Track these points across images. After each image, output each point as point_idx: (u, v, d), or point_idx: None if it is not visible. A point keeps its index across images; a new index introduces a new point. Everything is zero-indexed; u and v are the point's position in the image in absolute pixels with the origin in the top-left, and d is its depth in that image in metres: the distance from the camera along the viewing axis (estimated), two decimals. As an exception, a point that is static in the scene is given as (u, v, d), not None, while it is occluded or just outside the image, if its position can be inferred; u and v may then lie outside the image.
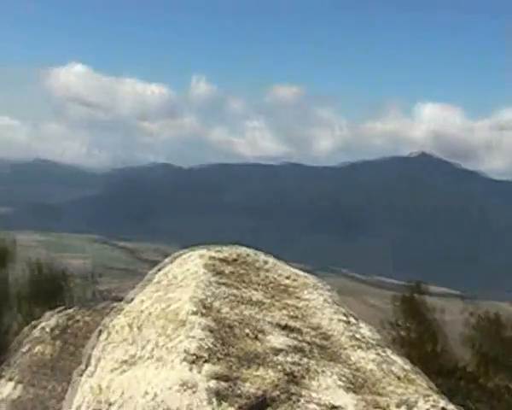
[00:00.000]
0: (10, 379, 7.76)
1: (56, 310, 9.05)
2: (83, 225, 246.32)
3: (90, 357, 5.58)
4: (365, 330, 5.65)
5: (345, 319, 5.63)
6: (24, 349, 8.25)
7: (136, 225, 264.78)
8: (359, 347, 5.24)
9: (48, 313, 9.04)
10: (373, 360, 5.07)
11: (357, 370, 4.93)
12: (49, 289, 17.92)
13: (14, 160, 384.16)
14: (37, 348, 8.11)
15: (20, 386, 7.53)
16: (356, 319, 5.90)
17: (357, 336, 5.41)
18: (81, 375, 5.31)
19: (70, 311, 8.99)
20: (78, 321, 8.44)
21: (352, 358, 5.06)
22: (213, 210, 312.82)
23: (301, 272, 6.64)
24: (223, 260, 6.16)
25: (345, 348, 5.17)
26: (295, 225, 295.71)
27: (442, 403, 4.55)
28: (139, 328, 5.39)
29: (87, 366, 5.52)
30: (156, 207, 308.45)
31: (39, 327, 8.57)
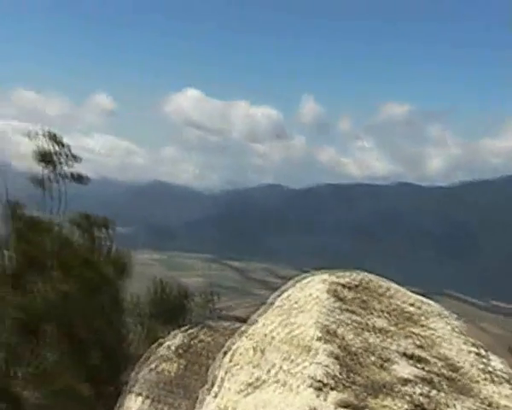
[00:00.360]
0: (139, 394, 8.18)
1: (181, 329, 9.43)
2: (195, 244, 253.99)
3: (215, 378, 5.71)
4: (497, 362, 5.37)
5: (475, 350, 5.39)
6: (151, 366, 8.65)
7: (245, 245, 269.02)
8: (492, 381, 4.99)
9: (173, 332, 9.43)
10: (507, 396, 4.81)
11: (490, 405, 4.70)
12: (172, 308, 18.53)
13: (134, 182, 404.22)
14: (164, 366, 8.48)
15: (147, 401, 7.92)
16: (485, 350, 5.64)
17: (489, 369, 5.16)
18: (208, 395, 5.46)
19: (192, 330, 9.34)
20: (201, 341, 8.74)
21: (484, 392, 4.83)
22: (322, 230, 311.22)
23: (425, 299, 6.44)
24: (345, 286, 6.10)
25: (476, 382, 4.94)
26: (405, 247, 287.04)
27: None
28: (263, 351, 5.45)
29: (212, 387, 5.66)
30: (265, 228, 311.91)
31: (165, 345, 8.96)
